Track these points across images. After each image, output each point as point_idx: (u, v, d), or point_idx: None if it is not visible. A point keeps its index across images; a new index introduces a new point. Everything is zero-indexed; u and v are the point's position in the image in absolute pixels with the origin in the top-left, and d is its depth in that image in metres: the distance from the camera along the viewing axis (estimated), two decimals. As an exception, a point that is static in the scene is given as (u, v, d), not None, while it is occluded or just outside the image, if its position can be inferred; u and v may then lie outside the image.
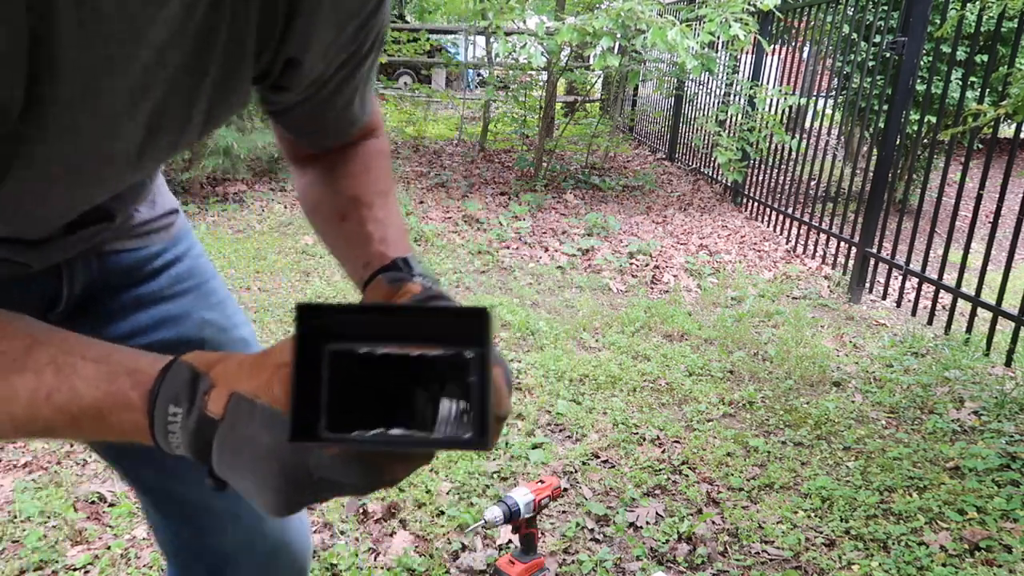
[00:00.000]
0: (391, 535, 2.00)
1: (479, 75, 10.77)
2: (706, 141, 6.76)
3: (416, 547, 1.96)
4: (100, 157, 0.56)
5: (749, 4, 5.08)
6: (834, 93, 5.29)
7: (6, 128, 0.47)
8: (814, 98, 5.25)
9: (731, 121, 6.14)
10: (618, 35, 5.17)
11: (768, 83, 5.97)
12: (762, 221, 5.65)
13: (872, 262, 4.10)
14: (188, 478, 0.79)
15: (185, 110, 0.58)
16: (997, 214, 3.30)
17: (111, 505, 2.09)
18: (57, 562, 1.85)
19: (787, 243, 5.12)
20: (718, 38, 5.05)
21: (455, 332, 0.44)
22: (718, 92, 6.53)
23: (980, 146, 5.87)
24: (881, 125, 4.15)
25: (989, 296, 3.38)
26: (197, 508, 0.91)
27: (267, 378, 0.47)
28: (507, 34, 5.63)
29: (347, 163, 0.79)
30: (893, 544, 2.03)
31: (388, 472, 0.47)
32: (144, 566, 1.85)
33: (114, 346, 0.52)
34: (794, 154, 5.16)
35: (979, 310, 3.39)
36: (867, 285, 4.14)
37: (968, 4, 3.44)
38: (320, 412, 0.43)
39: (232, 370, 0.48)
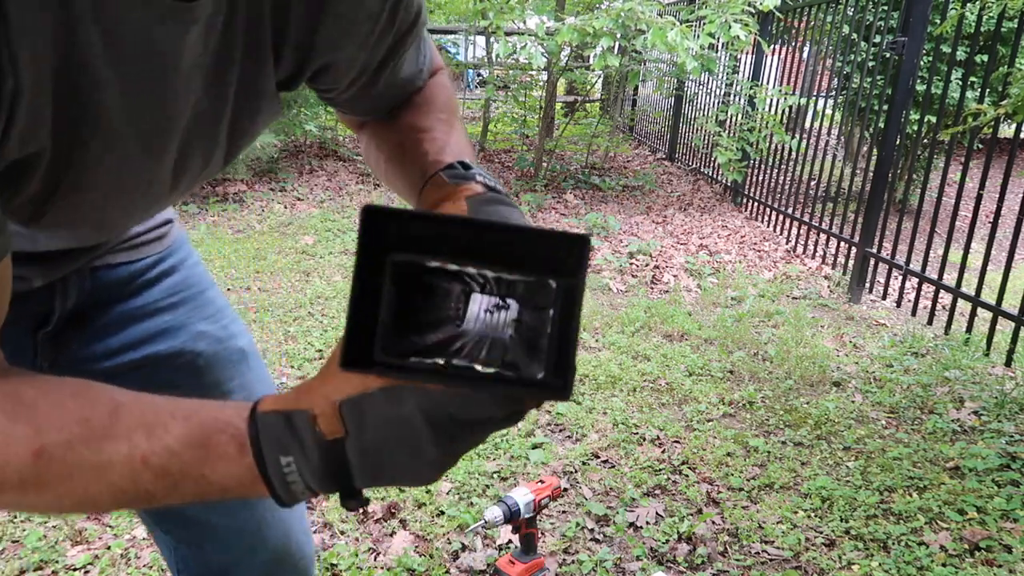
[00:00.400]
0: (391, 535, 2.00)
1: (479, 75, 10.76)
2: (706, 141, 6.76)
3: (416, 547, 1.96)
4: (141, 188, 0.57)
5: (749, 5, 5.08)
6: (834, 93, 5.29)
7: (42, 169, 0.48)
8: (814, 98, 5.25)
9: (731, 121, 6.14)
10: (618, 35, 5.17)
11: (768, 83, 5.97)
12: (762, 221, 5.65)
13: (872, 262, 4.10)
14: None
15: (211, 128, 0.58)
16: (997, 214, 3.30)
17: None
18: (57, 562, 1.85)
19: (787, 243, 5.12)
20: (718, 39, 5.05)
21: (542, 256, 0.39)
22: (718, 92, 6.53)
23: (980, 146, 5.87)
24: (881, 125, 4.15)
25: (989, 296, 3.38)
26: (198, 523, 0.90)
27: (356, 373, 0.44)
28: (507, 34, 5.62)
29: (408, 102, 0.76)
30: (893, 544, 2.03)
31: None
32: (144, 566, 1.85)
33: (194, 401, 0.49)
34: (794, 154, 5.16)
35: (979, 310, 3.39)
36: (867, 285, 4.14)
37: (968, 4, 3.44)
38: (377, 333, 0.39)
39: (318, 389, 0.45)
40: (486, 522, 1.64)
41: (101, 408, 0.48)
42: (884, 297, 4.06)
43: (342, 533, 2.00)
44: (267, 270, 4.15)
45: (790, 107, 5.37)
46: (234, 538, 0.91)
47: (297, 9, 0.57)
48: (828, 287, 4.31)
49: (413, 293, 0.40)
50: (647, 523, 2.10)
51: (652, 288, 4.27)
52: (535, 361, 0.40)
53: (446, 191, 0.63)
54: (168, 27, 0.48)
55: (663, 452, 2.48)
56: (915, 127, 4.90)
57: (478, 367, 0.41)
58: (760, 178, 5.79)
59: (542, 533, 2.02)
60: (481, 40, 7.61)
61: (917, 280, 3.87)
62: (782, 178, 5.43)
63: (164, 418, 0.47)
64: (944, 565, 1.93)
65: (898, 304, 3.97)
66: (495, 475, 2.28)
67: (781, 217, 5.31)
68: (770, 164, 5.63)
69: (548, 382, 0.39)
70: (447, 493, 2.17)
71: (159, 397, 0.50)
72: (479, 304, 0.42)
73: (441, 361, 0.40)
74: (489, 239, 0.39)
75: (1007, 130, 6.00)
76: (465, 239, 0.39)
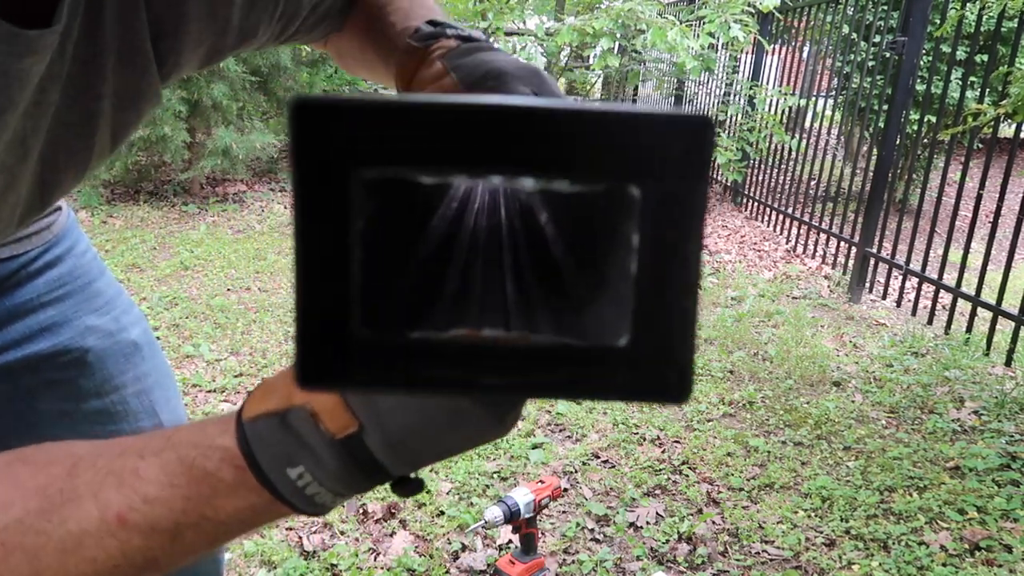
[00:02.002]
0: (391, 535, 2.00)
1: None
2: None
3: (416, 547, 1.96)
4: (8, 205, 0.52)
5: (749, 5, 5.08)
6: (834, 93, 5.29)
7: None
8: (814, 98, 5.25)
9: (731, 121, 6.14)
10: (618, 35, 5.17)
11: (768, 83, 5.97)
12: (762, 221, 5.65)
13: (872, 262, 4.10)
14: None
15: (84, 140, 0.54)
16: (997, 214, 3.30)
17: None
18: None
19: (787, 243, 5.12)
20: (717, 39, 5.05)
21: (610, 148, 0.24)
22: (718, 92, 6.53)
23: (980, 146, 5.87)
24: (881, 125, 4.15)
25: (989, 296, 3.38)
26: None
27: None
28: (507, 34, 5.63)
29: None
30: (893, 544, 2.03)
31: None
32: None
33: (165, 430, 0.40)
34: (794, 154, 5.16)
35: (979, 310, 3.39)
36: (867, 285, 4.14)
37: (968, 4, 3.44)
38: (350, 301, 0.24)
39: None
40: (486, 522, 1.64)
41: (57, 469, 0.39)
42: (884, 297, 4.06)
43: (342, 533, 2.00)
44: (267, 270, 4.15)
45: (790, 107, 5.37)
46: None
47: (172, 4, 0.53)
48: (828, 287, 4.31)
49: (410, 230, 0.27)
50: (647, 523, 2.10)
51: (652, 288, 4.27)
52: (607, 319, 0.25)
53: (416, 58, 0.53)
54: (31, 57, 0.44)
55: (663, 452, 2.48)
56: (915, 127, 4.90)
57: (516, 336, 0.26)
58: (760, 178, 5.79)
59: (542, 533, 2.02)
60: (481, 40, 7.60)
61: (917, 280, 3.87)
62: (782, 178, 5.43)
63: (132, 461, 0.38)
64: (944, 565, 1.93)
65: (898, 304, 3.97)
66: (495, 475, 2.27)
67: (781, 217, 5.31)
68: (770, 164, 5.63)
69: (645, 360, 0.25)
70: (447, 493, 2.17)
71: (125, 437, 0.41)
72: (472, 212, 0.30)
73: (463, 329, 0.26)
74: (515, 127, 0.23)
75: (1007, 130, 6.00)
76: (473, 135, 0.24)
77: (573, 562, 1.94)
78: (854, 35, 4.66)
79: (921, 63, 4.06)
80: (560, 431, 2.59)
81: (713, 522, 2.11)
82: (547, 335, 0.26)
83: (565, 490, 2.23)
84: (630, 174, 0.24)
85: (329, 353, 0.24)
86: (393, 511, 2.08)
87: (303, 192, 0.23)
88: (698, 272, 0.24)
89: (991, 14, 3.53)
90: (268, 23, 0.60)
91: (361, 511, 2.08)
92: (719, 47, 6.20)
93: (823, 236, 4.73)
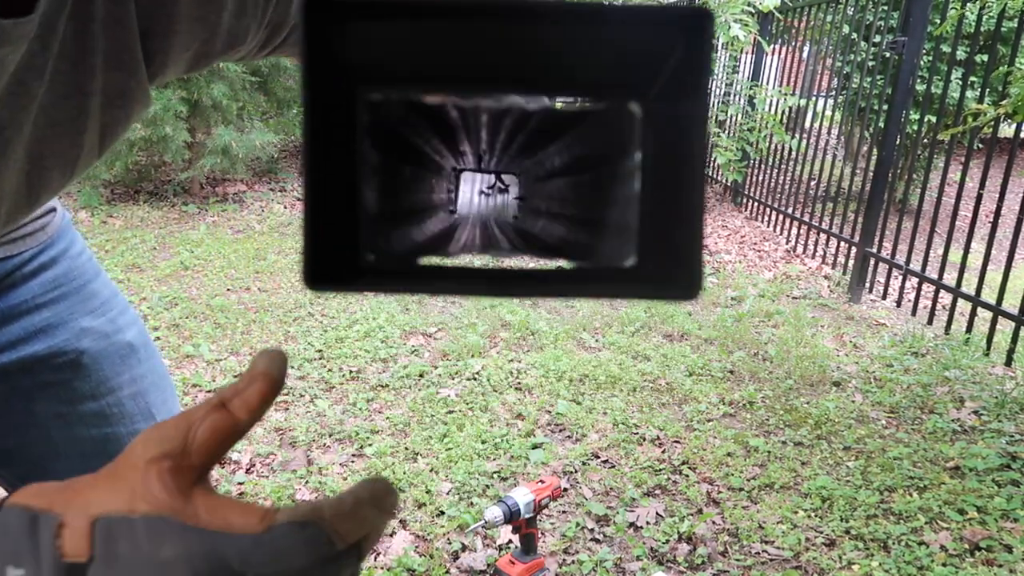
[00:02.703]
0: (391, 535, 2.00)
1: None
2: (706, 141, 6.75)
3: (416, 547, 1.96)
4: None
5: (749, 5, 5.08)
6: (834, 93, 5.29)
7: None
8: (814, 98, 5.25)
9: (731, 121, 6.14)
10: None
11: (768, 83, 5.97)
12: (762, 221, 5.65)
13: (872, 262, 4.10)
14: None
15: (72, 139, 0.53)
16: (997, 214, 3.30)
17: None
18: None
19: (787, 243, 5.12)
20: (718, 39, 5.04)
21: (610, 59, 0.23)
22: (718, 92, 6.53)
23: (980, 146, 5.87)
24: (881, 125, 4.15)
25: (989, 296, 3.38)
26: (25, 461, 0.83)
27: (139, 481, 0.33)
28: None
29: None
30: (893, 544, 2.03)
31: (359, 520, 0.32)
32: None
33: None
34: (794, 154, 5.16)
35: (979, 310, 3.39)
36: (867, 285, 4.14)
37: (968, 4, 3.44)
38: (358, 222, 0.24)
39: (84, 492, 0.34)
40: (486, 522, 1.64)
41: None
42: (884, 297, 4.06)
43: (342, 533, 2.00)
44: (267, 270, 4.15)
45: (790, 107, 5.37)
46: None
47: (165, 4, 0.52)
48: (828, 287, 4.31)
49: (395, 158, 0.26)
50: (647, 523, 2.10)
51: (652, 288, 4.27)
52: (613, 240, 0.25)
53: None
54: (6, 48, 0.44)
55: (663, 452, 2.48)
56: (915, 127, 4.90)
57: (526, 262, 0.26)
58: (760, 178, 5.79)
59: (542, 533, 2.02)
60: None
61: (917, 280, 3.87)
62: (782, 178, 5.44)
63: None
64: (944, 565, 1.93)
65: (898, 304, 3.97)
66: (495, 475, 2.27)
67: (781, 217, 5.31)
68: (770, 164, 5.63)
69: (654, 273, 0.24)
70: (447, 493, 2.17)
71: None
72: (472, 184, 0.30)
73: (477, 262, 0.25)
74: (523, 33, 0.22)
75: (1007, 130, 6.00)
76: (480, 38, 0.22)
77: (573, 562, 1.94)
78: (854, 35, 4.66)
79: (921, 63, 4.06)
80: (560, 431, 2.59)
81: (713, 522, 2.11)
82: (550, 259, 0.26)
83: (565, 490, 2.23)
84: (630, 85, 0.23)
85: (335, 265, 0.23)
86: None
87: (312, 102, 0.22)
88: (702, 185, 0.23)
89: (991, 14, 3.53)
90: (256, 30, 0.60)
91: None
92: (719, 47, 6.21)
93: (823, 236, 4.73)
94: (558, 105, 0.25)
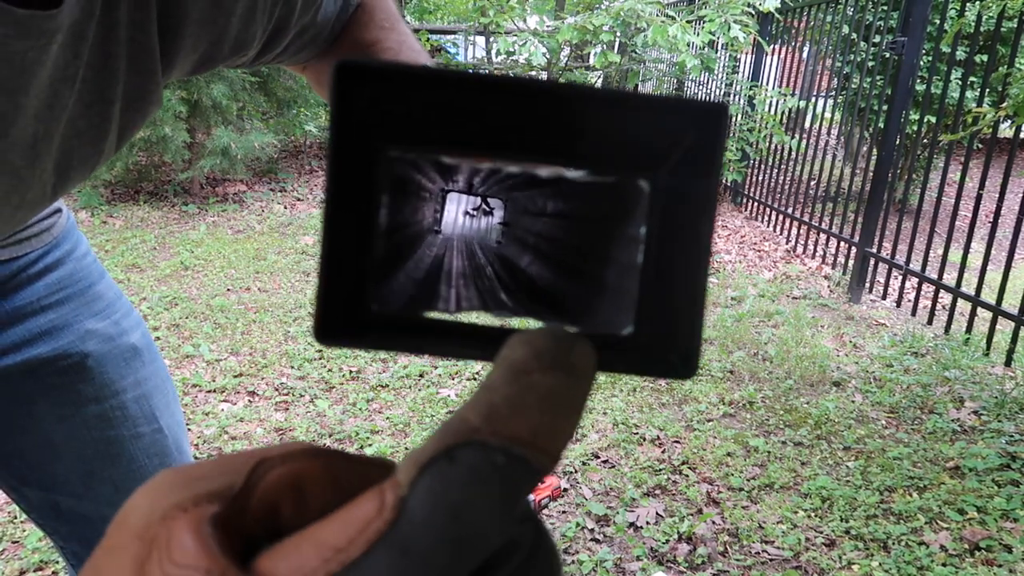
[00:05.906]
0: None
1: (479, 75, 10.73)
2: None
3: (416, 547, 1.95)
4: (10, 206, 0.52)
5: (748, 5, 5.09)
6: (834, 93, 5.29)
7: None
8: (813, 99, 5.25)
9: (731, 121, 6.14)
10: (617, 33, 5.17)
11: (768, 83, 5.97)
12: (762, 221, 5.65)
13: (872, 262, 4.10)
14: (73, 491, 0.74)
15: (95, 146, 0.53)
16: (997, 214, 3.30)
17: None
18: (57, 562, 1.85)
19: (787, 243, 5.12)
20: (718, 39, 5.05)
21: (626, 139, 0.24)
22: (717, 92, 6.53)
23: (980, 146, 5.88)
24: (881, 125, 4.15)
25: (989, 296, 3.38)
26: (86, 521, 0.84)
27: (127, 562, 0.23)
28: (506, 33, 5.63)
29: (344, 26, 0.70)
30: (893, 544, 2.03)
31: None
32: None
33: None
34: (794, 154, 5.16)
35: (979, 310, 3.39)
36: (867, 285, 4.14)
37: (968, 4, 3.44)
38: (368, 275, 0.24)
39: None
40: (486, 522, 1.64)
41: None
42: (884, 297, 4.06)
43: (342, 533, 2.00)
44: (267, 270, 4.15)
45: (790, 108, 5.37)
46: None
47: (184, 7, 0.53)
48: (828, 287, 4.31)
49: (403, 203, 0.27)
50: (647, 523, 2.10)
51: (652, 288, 4.27)
52: (609, 304, 0.25)
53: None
54: (27, 41, 0.43)
55: (663, 452, 2.48)
56: (915, 127, 4.90)
57: (520, 321, 0.26)
58: (760, 178, 5.79)
59: (542, 533, 2.02)
60: (481, 40, 7.61)
61: (917, 280, 3.87)
62: (782, 178, 5.44)
63: None
64: (944, 565, 1.93)
65: (898, 304, 3.97)
66: (495, 475, 2.27)
67: (781, 217, 5.31)
68: (770, 164, 5.63)
69: (651, 346, 0.24)
70: (447, 493, 2.17)
71: None
72: (457, 205, 0.30)
73: (476, 319, 0.25)
74: (543, 110, 0.23)
75: (1007, 130, 6.01)
76: (502, 110, 0.23)
77: (573, 562, 1.94)
78: (854, 35, 4.66)
79: (921, 63, 4.06)
80: (560, 431, 2.59)
81: (713, 522, 2.11)
82: (543, 313, 0.26)
83: (565, 490, 2.23)
84: (641, 164, 0.24)
85: (344, 319, 0.24)
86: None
87: (339, 162, 0.22)
88: (707, 264, 0.23)
89: (991, 14, 3.53)
90: (260, 36, 0.60)
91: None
92: (719, 47, 6.21)
93: (823, 236, 4.73)
94: (568, 174, 0.25)
